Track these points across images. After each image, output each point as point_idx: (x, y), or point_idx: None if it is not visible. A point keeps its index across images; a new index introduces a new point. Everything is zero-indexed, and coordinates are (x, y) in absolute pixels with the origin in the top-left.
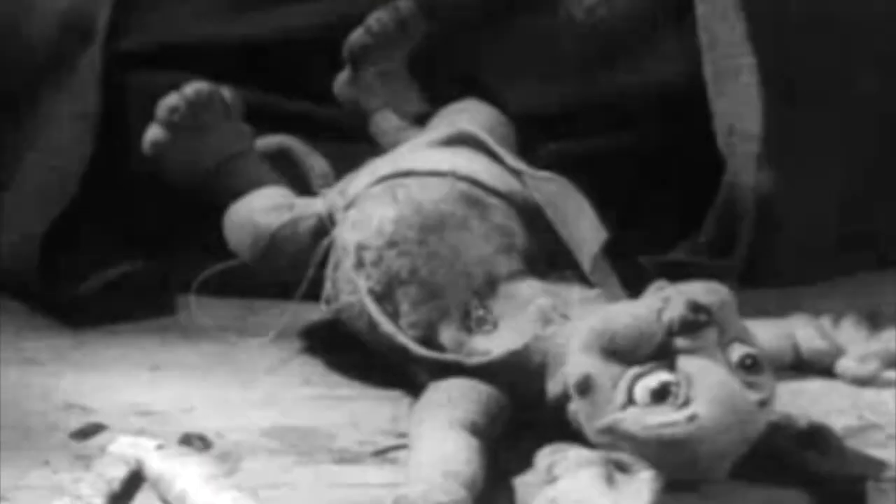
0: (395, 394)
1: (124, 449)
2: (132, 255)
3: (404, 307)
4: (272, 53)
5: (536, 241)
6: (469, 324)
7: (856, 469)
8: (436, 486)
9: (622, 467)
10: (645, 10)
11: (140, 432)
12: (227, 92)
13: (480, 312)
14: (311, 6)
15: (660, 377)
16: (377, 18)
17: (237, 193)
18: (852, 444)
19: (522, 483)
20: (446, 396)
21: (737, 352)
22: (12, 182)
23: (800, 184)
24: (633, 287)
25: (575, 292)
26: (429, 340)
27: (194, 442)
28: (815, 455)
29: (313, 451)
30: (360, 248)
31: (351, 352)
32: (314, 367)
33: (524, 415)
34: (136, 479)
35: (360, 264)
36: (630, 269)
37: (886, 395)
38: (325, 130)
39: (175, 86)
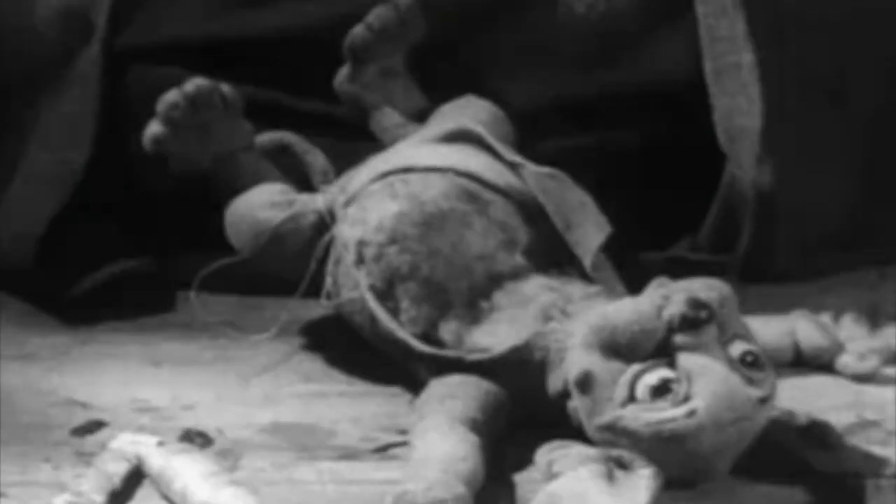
0: (395, 390)
1: (125, 445)
2: (132, 253)
3: (405, 303)
4: (272, 50)
5: (537, 237)
6: (470, 320)
7: (856, 466)
8: (436, 482)
9: (622, 464)
10: (645, 6)
11: (141, 429)
12: (227, 88)
13: (481, 309)
14: (310, 4)
15: (660, 374)
16: (378, 15)
17: (238, 190)
18: (852, 440)
19: (523, 479)
20: (447, 393)
21: (737, 348)
22: (13, 177)
23: (800, 180)
24: (634, 284)
25: (576, 289)
26: (429, 337)
27: (195, 438)
28: (815, 452)
29: (314, 447)
30: (361, 244)
31: (352, 348)
32: (315, 364)
33: (525, 411)
34: (136, 476)
35: (360, 260)
36: (631, 266)
37: (887, 391)
38: (325, 127)
39: (175, 82)
